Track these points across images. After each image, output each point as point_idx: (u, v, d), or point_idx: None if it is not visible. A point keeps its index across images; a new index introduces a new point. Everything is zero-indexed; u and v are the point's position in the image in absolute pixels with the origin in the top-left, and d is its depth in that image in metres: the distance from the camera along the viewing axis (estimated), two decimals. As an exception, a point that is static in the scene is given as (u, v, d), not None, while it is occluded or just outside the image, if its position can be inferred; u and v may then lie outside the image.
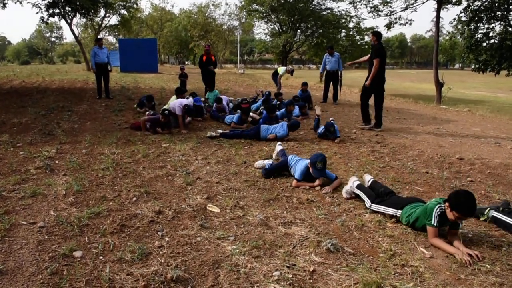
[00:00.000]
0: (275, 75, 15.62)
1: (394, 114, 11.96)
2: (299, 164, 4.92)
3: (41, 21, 16.85)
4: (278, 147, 6.17)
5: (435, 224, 3.32)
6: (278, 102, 11.04)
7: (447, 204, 3.29)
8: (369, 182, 4.55)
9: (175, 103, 8.42)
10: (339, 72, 13.78)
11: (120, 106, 11.41)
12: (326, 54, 13.83)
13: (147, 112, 9.42)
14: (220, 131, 7.80)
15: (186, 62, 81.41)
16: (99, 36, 19.83)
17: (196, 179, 4.96)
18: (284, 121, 8.38)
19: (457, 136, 8.72)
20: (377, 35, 8.73)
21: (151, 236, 3.42)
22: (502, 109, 18.57)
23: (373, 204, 4.03)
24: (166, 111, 7.92)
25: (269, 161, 5.56)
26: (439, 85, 18.40)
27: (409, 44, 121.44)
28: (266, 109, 9.12)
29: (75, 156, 5.94)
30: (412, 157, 6.45)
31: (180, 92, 9.92)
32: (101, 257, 3.01)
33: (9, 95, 14.40)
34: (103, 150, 6.37)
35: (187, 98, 9.64)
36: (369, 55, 8.91)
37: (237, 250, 3.14)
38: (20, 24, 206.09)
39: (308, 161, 4.82)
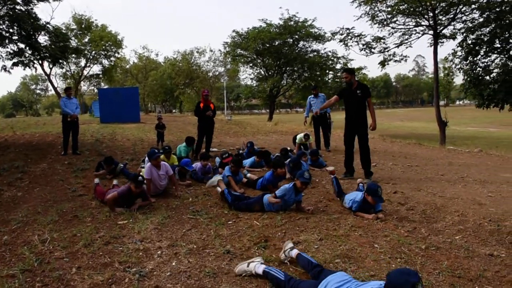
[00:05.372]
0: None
1: (403, 160, 10.41)
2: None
3: (2, 70, 15.47)
4: (290, 250, 3.75)
5: None
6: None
7: None
8: None
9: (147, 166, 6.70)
10: (327, 114, 12.32)
11: (85, 164, 9.69)
12: (311, 96, 12.50)
13: (114, 182, 7.29)
14: None
15: (174, 111, 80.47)
16: (67, 86, 18.34)
17: (153, 290, 3.22)
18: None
19: (490, 186, 7.16)
20: (351, 72, 7.81)
21: None
22: (500, 144, 17.49)
23: None
24: (140, 177, 5.84)
25: (257, 263, 3.50)
26: (442, 124, 17.06)
27: (394, 83, 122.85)
28: (273, 164, 7.04)
29: (-13, 249, 4.18)
30: (454, 226, 4.77)
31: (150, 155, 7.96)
32: None
33: (-38, 154, 12.63)
34: (32, 235, 4.60)
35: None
36: (335, 96, 8.04)
37: None
38: (5, 77, 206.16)
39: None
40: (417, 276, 2.41)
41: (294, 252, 3.66)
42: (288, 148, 10.13)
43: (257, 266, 3.45)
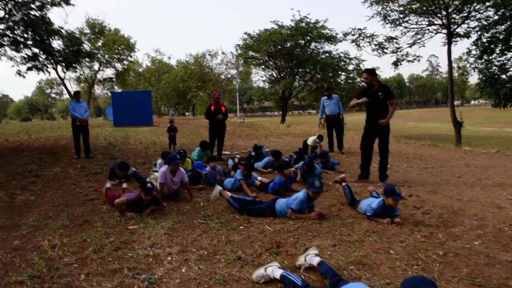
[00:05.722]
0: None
1: (418, 162, 10.21)
2: None
3: (17, 74, 15.78)
4: (313, 256, 3.64)
5: None
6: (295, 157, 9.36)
7: None
8: None
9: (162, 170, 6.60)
10: (341, 116, 12.15)
11: (98, 168, 9.69)
12: (324, 97, 12.34)
13: (123, 186, 7.10)
14: None
15: (187, 113, 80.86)
16: (77, 90, 18.49)
17: (162, 298, 3.15)
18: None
19: (509, 188, 6.97)
20: (372, 72, 7.45)
21: None
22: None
23: None
24: (149, 184, 5.67)
25: (275, 267, 3.45)
26: (457, 124, 16.78)
27: (407, 84, 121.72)
28: (278, 167, 7.08)
29: (-3, 254, 4.16)
30: (473, 231, 4.62)
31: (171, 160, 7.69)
32: None
33: (-22, 158, 12.76)
34: (42, 240, 4.57)
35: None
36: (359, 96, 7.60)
37: None
38: (21, 82, 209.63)
39: None
40: (434, 286, 2.26)
41: (316, 260, 3.54)
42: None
43: (275, 270, 3.40)
